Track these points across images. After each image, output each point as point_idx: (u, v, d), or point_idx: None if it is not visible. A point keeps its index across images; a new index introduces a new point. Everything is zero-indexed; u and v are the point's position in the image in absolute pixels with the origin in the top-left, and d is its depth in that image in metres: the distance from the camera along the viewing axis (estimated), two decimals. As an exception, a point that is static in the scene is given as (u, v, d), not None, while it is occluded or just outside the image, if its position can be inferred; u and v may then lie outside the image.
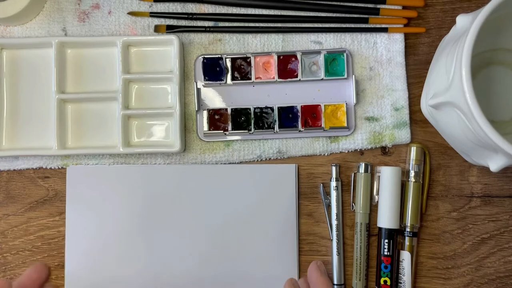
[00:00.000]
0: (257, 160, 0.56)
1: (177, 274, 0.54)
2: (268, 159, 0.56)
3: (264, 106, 0.55)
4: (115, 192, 0.55)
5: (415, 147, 0.54)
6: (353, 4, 0.56)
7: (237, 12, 0.57)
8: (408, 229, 0.53)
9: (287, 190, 0.55)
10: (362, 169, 0.54)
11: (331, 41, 0.56)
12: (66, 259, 0.55)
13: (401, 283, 0.53)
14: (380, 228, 0.53)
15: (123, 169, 0.55)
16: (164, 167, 0.55)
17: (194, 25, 0.56)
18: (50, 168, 0.56)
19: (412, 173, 0.54)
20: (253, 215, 0.55)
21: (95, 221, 0.55)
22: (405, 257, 0.53)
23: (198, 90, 0.56)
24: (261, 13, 0.57)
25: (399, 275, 0.53)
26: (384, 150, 0.56)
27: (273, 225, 0.54)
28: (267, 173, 0.55)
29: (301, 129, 0.55)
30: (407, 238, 0.53)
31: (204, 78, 0.55)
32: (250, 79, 0.55)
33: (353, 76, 0.55)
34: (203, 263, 0.54)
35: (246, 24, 0.57)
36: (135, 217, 0.55)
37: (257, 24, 0.57)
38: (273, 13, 0.57)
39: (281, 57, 0.55)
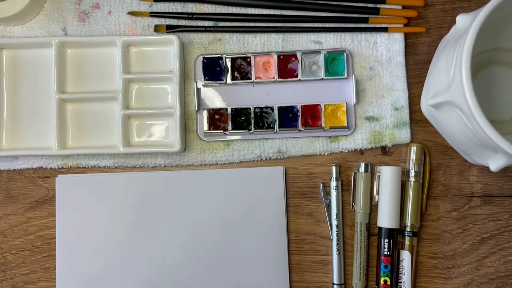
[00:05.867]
0: (257, 160, 0.56)
1: (168, 278, 0.54)
2: (268, 158, 0.56)
3: (264, 106, 0.55)
4: (105, 201, 0.55)
5: (415, 147, 0.54)
6: (353, 4, 0.56)
7: (237, 12, 0.57)
8: (408, 229, 0.53)
9: (275, 193, 0.55)
10: (362, 169, 0.54)
11: (331, 41, 0.56)
12: (57, 267, 0.54)
13: (401, 282, 0.53)
14: (380, 228, 0.53)
15: (112, 178, 0.55)
16: (152, 175, 0.55)
17: (194, 25, 0.57)
18: (50, 168, 0.56)
19: (412, 173, 0.54)
20: (242, 218, 0.54)
21: (85, 230, 0.54)
22: (405, 256, 0.53)
23: (198, 90, 0.56)
24: (261, 13, 0.57)
25: (399, 274, 0.53)
26: (384, 149, 0.56)
27: (263, 228, 0.54)
28: (255, 176, 0.55)
29: (301, 129, 0.55)
30: (407, 238, 0.53)
31: (204, 78, 0.55)
32: (250, 79, 0.55)
33: (353, 75, 0.55)
34: (194, 267, 0.54)
35: (246, 24, 0.57)
36: (124, 224, 0.55)
37: (257, 24, 0.57)
38: (273, 13, 0.57)
39: (281, 57, 0.55)
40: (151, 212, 0.55)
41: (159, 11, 0.57)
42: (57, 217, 0.55)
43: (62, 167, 0.56)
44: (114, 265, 0.54)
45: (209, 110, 0.55)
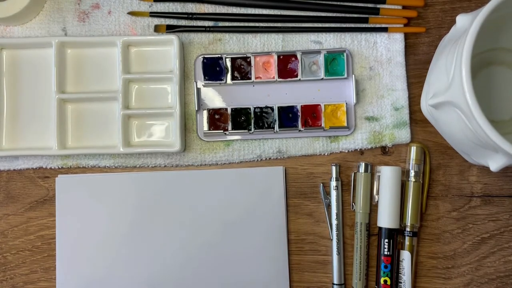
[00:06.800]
0: (257, 160, 0.56)
1: (167, 277, 0.54)
2: (268, 158, 0.56)
3: (264, 106, 0.55)
4: (104, 201, 0.55)
5: (415, 147, 0.54)
6: (353, 4, 0.56)
7: (237, 12, 0.57)
8: (408, 229, 0.53)
9: (275, 193, 0.55)
10: (362, 169, 0.54)
11: (331, 41, 0.56)
12: (57, 267, 0.54)
13: (401, 283, 0.53)
14: (380, 228, 0.53)
15: (112, 178, 0.55)
16: (152, 175, 0.55)
17: (194, 25, 0.57)
18: (50, 168, 0.56)
19: (412, 173, 0.54)
20: (242, 218, 0.54)
21: (85, 230, 0.54)
22: (405, 256, 0.53)
23: (198, 90, 0.56)
24: (261, 13, 0.57)
25: (399, 275, 0.53)
26: (384, 149, 0.56)
27: (263, 227, 0.54)
28: (255, 176, 0.55)
29: (301, 129, 0.55)
30: (407, 238, 0.53)
31: (204, 78, 0.55)
32: (250, 78, 0.55)
33: (353, 75, 0.55)
34: (194, 267, 0.54)
35: (246, 24, 0.57)
36: (124, 224, 0.55)
37: (257, 24, 0.57)
38: (273, 13, 0.57)
39: (281, 57, 0.55)
40: (151, 212, 0.55)
41: (159, 11, 0.57)
42: (57, 217, 0.55)
43: (62, 167, 0.56)
44: (114, 265, 0.54)
45: (209, 110, 0.55)
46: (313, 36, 0.56)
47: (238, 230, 0.54)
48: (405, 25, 0.56)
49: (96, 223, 0.55)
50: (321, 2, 0.56)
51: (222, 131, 0.55)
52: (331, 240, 0.54)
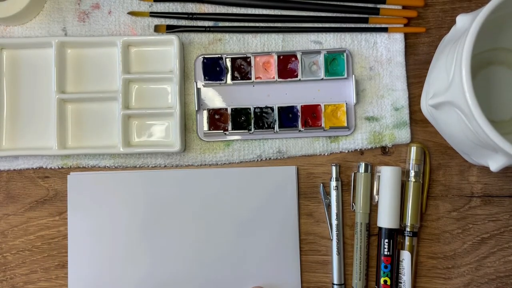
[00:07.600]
0: (257, 160, 0.56)
1: (179, 276, 0.54)
2: (268, 159, 0.56)
3: (264, 106, 0.55)
4: (117, 199, 0.55)
5: (415, 147, 0.54)
6: (353, 4, 0.56)
7: (237, 12, 0.57)
8: (408, 229, 0.53)
9: (287, 192, 0.55)
10: (362, 169, 0.54)
11: (331, 41, 0.56)
12: (69, 264, 0.55)
13: (401, 283, 0.53)
14: (380, 228, 0.53)
15: (124, 175, 0.55)
16: (165, 172, 0.55)
17: (194, 25, 0.57)
18: (50, 168, 0.56)
19: (412, 173, 0.54)
20: (254, 217, 0.54)
21: (97, 227, 0.55)
22: (405, 257, 0.53)
23: (198, 90, 0.56)
24: (261, 13, 0.57)
25: (399, 275, 0.53)
26: (384, 150, 0.56)
27: (275, 227, 0.54)
28: (268, 175, 0.55)
29: (301, 129, 0.55)
30: (407, 238, 0.53)
31: (204, 78, 0.55)
32: (250, 79, 0.55)
33: (353, 76, 0.55)
34: (205, 265, 0.54)
35: (246, 24, 0.57)
36: (136, 222, 0.55)
37: (257, 24, 0.57)
38: (273, 13, 0.57)
39: (281, 57, 0.55)
40: (165, 210, 0.55)
41: (159, 11, 0.57)
42: (68, 214, 0.55)
43: (62, 167, 0.56)
44: (123, 262, 0.54)
45: (209, 110, 0.55)
46: (313, 36, 0.56)
47: (250, 229, 0.54)
48: (405, 25, 0.56)
49: (108, 220, 0.55)
50: (321, 2, 0.56)
51: (222, 131, 0.55)
52: (331, 240, 0.54)
